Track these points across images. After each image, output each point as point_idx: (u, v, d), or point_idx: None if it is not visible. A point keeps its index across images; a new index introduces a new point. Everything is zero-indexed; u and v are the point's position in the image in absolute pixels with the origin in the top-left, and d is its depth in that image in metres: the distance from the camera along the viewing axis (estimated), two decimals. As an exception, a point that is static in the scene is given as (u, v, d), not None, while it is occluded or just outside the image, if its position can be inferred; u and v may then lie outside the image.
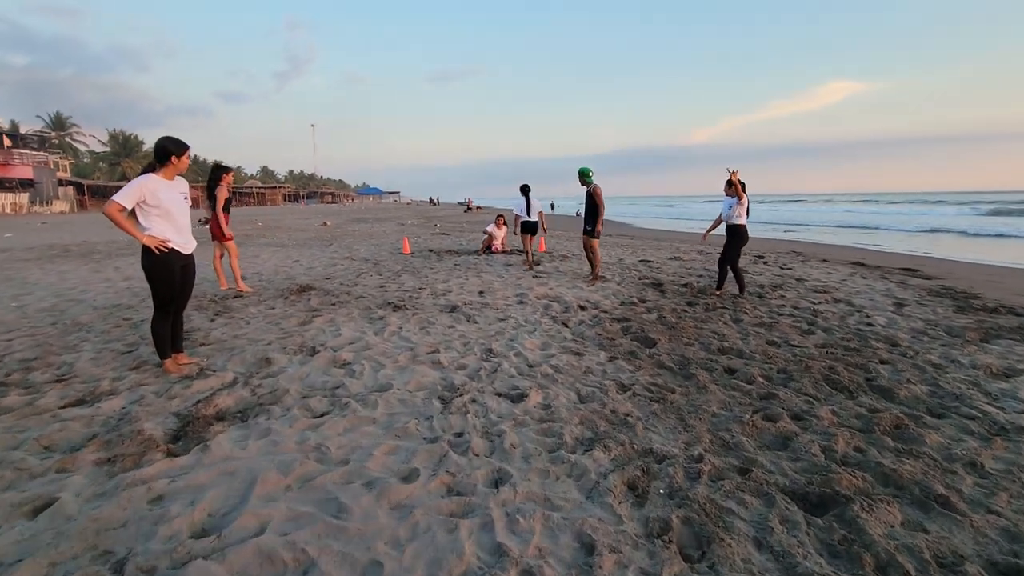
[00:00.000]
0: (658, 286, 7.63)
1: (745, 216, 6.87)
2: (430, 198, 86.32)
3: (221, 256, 7.01)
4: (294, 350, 4.24)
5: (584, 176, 7.96)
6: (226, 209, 6.89)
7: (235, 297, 6.43)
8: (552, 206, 50.21)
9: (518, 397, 3.43)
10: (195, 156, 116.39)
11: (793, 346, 4.78)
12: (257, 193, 74.93)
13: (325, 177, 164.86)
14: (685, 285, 7.73)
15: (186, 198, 3.74)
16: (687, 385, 3.76)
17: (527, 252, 9.90)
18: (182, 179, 3.78)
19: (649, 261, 10.36)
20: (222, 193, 6.69)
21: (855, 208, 48.70)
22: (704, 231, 7.54)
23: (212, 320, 5.23)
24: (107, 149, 71.10)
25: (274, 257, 10.69)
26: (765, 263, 10.62)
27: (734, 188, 6.70)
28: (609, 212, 55.43)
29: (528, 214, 10.57)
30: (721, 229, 7.30)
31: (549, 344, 4.65)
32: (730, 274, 7.33)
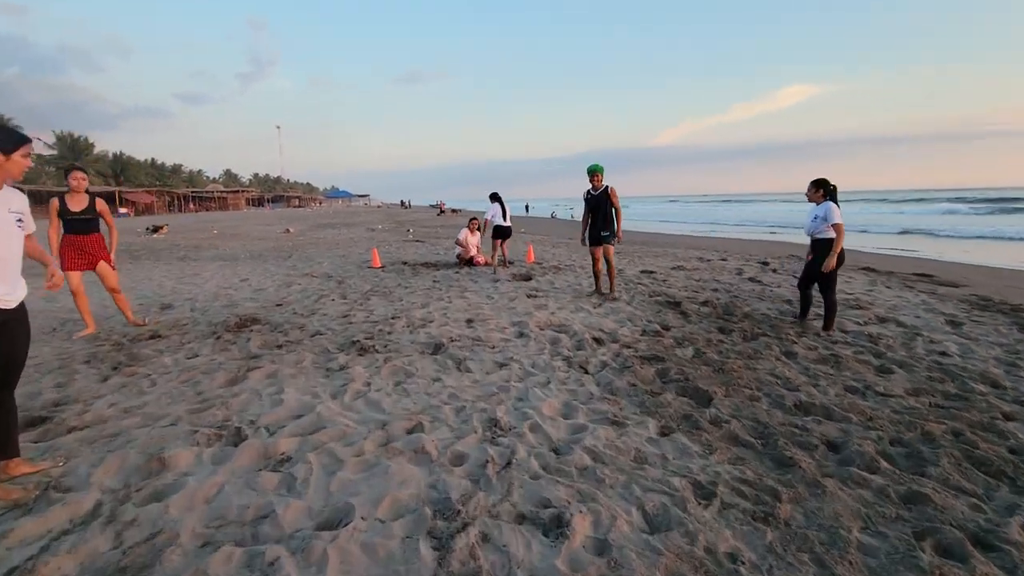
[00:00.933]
0: (676, 305, 6.48)
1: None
2: (401, 201, 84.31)
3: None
4: (208, 437, 2.87)
5: (597, 173, 6.91)
6: (77, 226, 4.88)
7: (151, 338, 4.97)
8: (527, 208, 49.13)
9: (554, 527, 2.17)
10: (155, 160, 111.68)
11: (883, 395, 3.66)
12: (219, 197, 71.70)
13: (292, 180, 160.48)
14: (705, 303, 6.60)
15: (20, 220, 2.36)
16: (790, 479, 2.57)
17: (495, 255, 9.51)
18: (15, 191, 2.41)
19: (652, 272, 9.23)
20: (53, 207, 4.78)
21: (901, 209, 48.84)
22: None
23: (105, 379, 3.80)
24: (54, 152, 66.85)
25: (218, 275, 9.16)
26: (774, 271, 9.62)
27: (820, 193, 5.34)
28: (574, 213, 54.50)
29: (504, 219, 9.56)
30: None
31: (573, 406, 3.40)
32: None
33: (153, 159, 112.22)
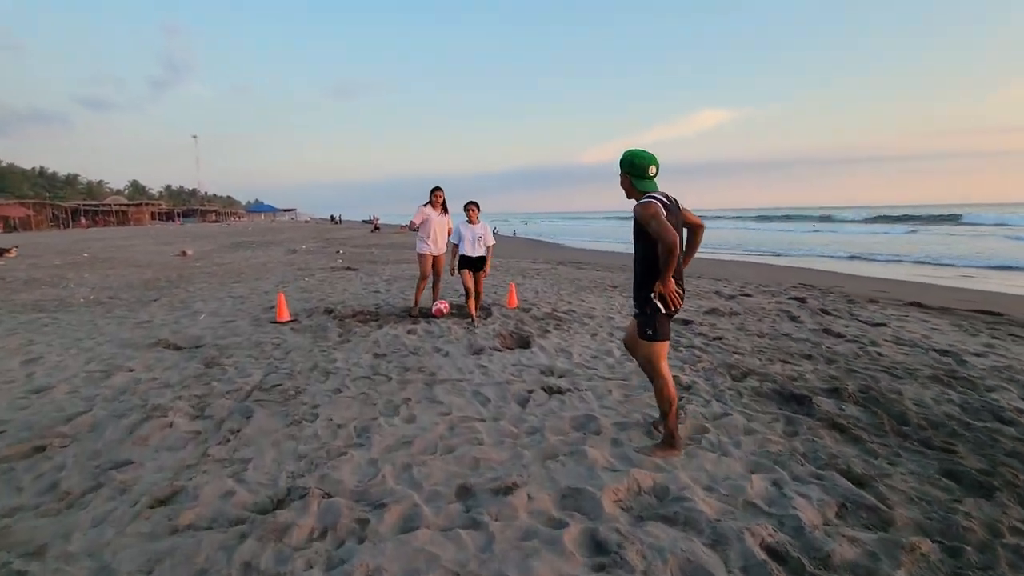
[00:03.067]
0: (804, 404, 3.63)
1: None
2: (332, 216, 78.66)
3: None
4: None
5: (637, 171, 2.98)
6: None
7: None
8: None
9: None
10: (44, 169, 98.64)
11: None
12: (118, 211, 63.25)
13: (210, 193, 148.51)
14: (842, 394, 3.82)
15: None
16: None
17: (469, 297, 6.53)
18: None
19: (689, 322, 6.44)
20: None
21: (749, 226, 49.09)
22: None
23: None
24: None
25: None
26: (827, 313, 7.15)
27: None
28: (526, 229, 51.48)
29: (472, 247, 6.56)
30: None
31: None
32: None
33: (42, 168, 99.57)
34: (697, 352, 5.08)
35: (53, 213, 52.15)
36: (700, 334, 5.83)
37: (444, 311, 6.65)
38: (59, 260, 15.99)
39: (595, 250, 23.53)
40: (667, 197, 2.88)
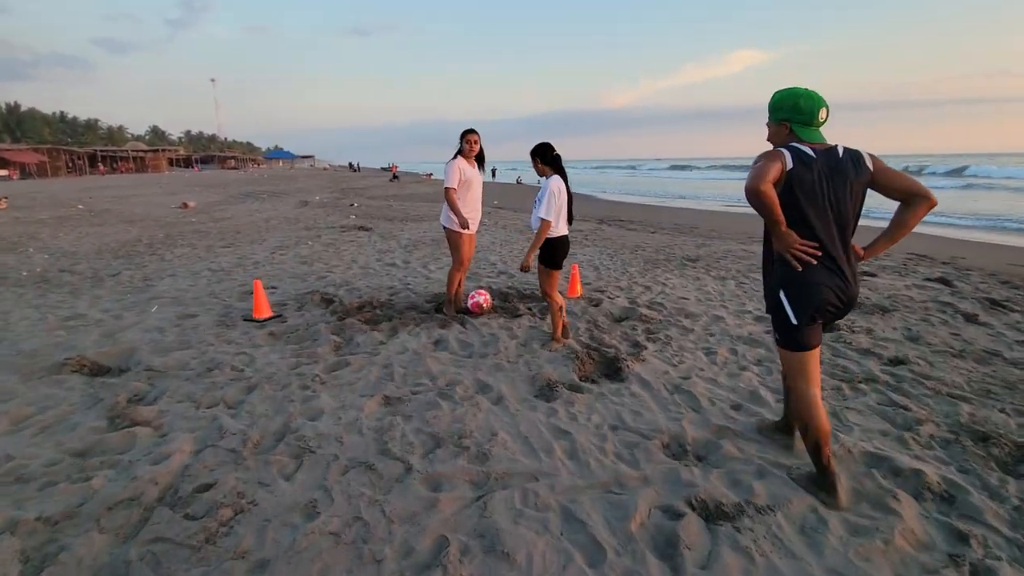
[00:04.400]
0: None
1: None
2: (350, 163, 76.12)
3: None
4: None
5: (803, 116, 2.11)
6: None
7: None
8: (494, 173, 43.34)
9: None
10: (65, 114, 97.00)
11: None
12: (135, 157, 61.68)
13: (230, 139, 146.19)
14: None
15: None
16: None
17: (558, 315, 3.91)
18: None
19: (837, 329, 4.42)
20: None
21: None
22: None
23: None
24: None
25: None
26: (1001, 306, 5.05)
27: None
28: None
29: (560, 220, 4.26)
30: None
31: None
32: None
33: (63, 112, 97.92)
34: (894, 397, 3.11)
35: (70, 159, 50.75)
36: (867, 351, 3.84)
37: (485, 307, 4.72)
38: (47, 214, 14.36)
39: (634, 204, 21.14)
40: (826, 150, 2.04)
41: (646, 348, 3.86)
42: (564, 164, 3.68)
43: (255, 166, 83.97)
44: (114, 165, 58.90)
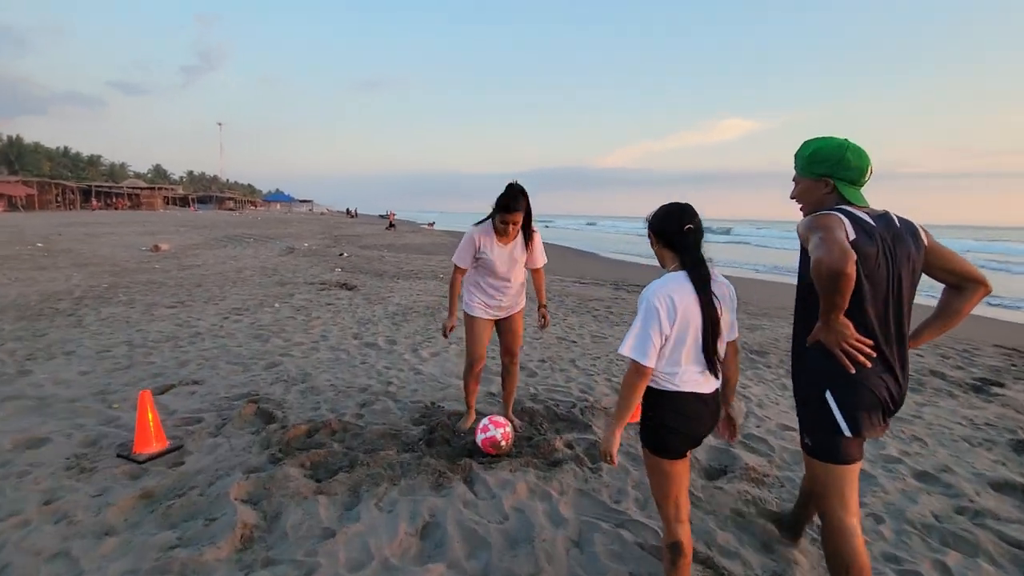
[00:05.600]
0: None
1: None
2: (347, 209, 75.53)
3: None
4: None
5: (850, 173, 1.81)
6: None
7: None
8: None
9: None
10: (68, 149, 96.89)
11: None
12: (131, 195, 60.56)
13: (232, 181, 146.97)
14: None
15: None
16: None
17: (668, 561, 1.87)
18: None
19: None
20: None
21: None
22: None
23: None
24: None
25: None
26: None
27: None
28: (548, 234, 47.81)
29: (674, 350, 2.28)
30: None
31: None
32: None
33: (66, 147, 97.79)
34: None
35: (60, 193, 49.42)
36: None
37: (504, 445, 2.99)
38: (13, 246, 12.67)
39: (641, 264, 19.76)
40: (881, 217, 1.75)
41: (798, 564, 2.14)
42: (693, 237, 1.82)
43: (253, 208, 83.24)
44: (108, 201, 57.65)
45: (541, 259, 3.27)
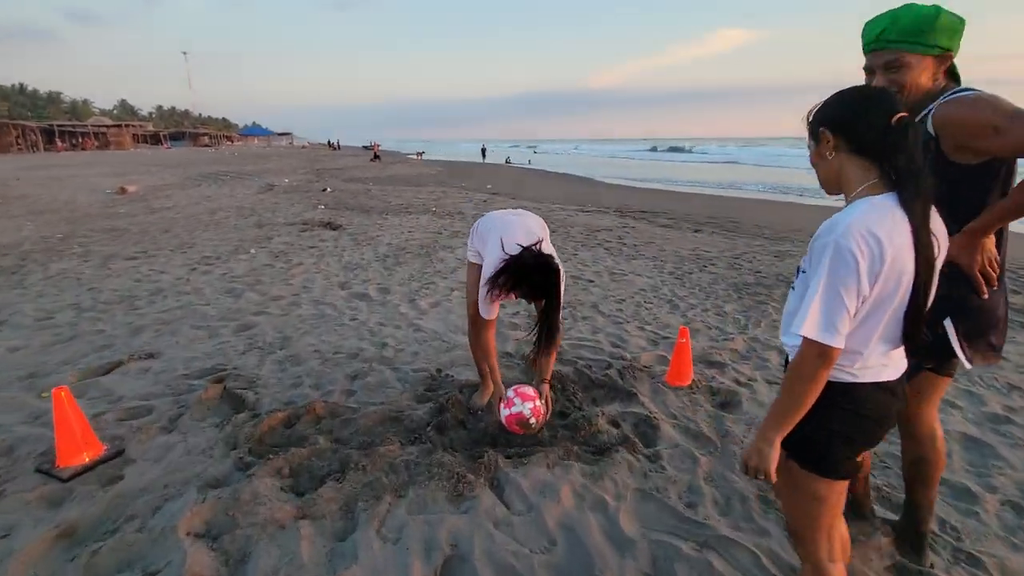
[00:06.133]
0: None
1: None
2: (328, 141, 72.10)
3: None
4: None
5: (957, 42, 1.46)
6: None
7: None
8: (484, 152, 40.49)
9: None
10: (24, 86, 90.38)
11: None
12: (96, 133, 57.04)
13: (205, 115, 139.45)
14: None
15: None
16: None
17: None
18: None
19: None
20: None
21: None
22: None
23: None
24: None
25: None
26: None
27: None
28: (537, 158, 45.64)
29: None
30: None
31: None
32: None
33: (22, 85, 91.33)
34: None
35: (21, 134, 46.31)
36: None
37: (535, 423, 2.35)
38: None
39: (644, 189, 18.72)
40: None
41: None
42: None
43: (229, 143, 79.24)
44: (75, 142, 54.32)
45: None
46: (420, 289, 4.78)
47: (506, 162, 35.69)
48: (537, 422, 2.33)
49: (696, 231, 8.73)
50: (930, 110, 1.42)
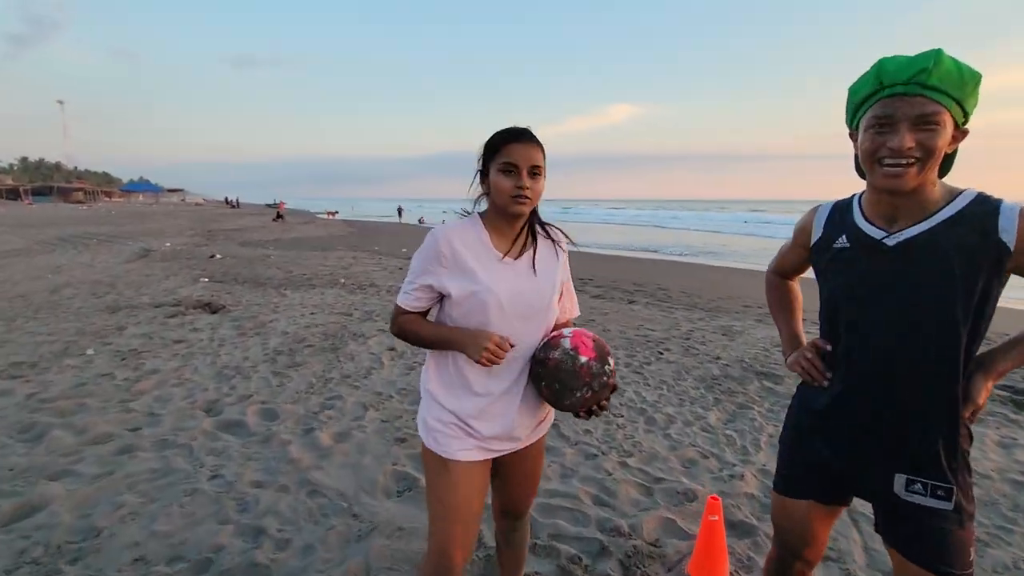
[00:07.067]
0: None
1: None
2: (227, 198, 67.41)
3: None
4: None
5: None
6: None
7: None
8: (400, 211, 39.52)
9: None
10: None
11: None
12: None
13: (81, 168, 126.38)
14: None
15: None
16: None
17: None
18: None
19: None
20: None
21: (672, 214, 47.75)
22: None
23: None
24: None
25: None
26: None
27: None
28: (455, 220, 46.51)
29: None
30: None
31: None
32: None
33: None
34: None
35: None
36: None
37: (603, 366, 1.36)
38: None
39: (611, 256, 18.53)
40: None
41: None
42: None
43: (107, 199, 71.41)
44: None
45: (574, 304, 1.59)
46: (321, 411, 3.54)
47: (419, 222, 34.98)
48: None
49: (631, 302, 8.23)
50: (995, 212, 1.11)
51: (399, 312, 1.39)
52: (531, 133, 1.32)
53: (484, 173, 1.36)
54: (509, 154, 1.28)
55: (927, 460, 1.17)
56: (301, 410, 3.55)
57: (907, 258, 1.16)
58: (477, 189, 1.40)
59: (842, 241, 1.28)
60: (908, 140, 1.08)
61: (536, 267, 1.40)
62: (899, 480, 1.19)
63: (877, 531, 1.28)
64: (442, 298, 1.37)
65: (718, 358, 4.98)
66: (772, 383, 4.30)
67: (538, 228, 1.46)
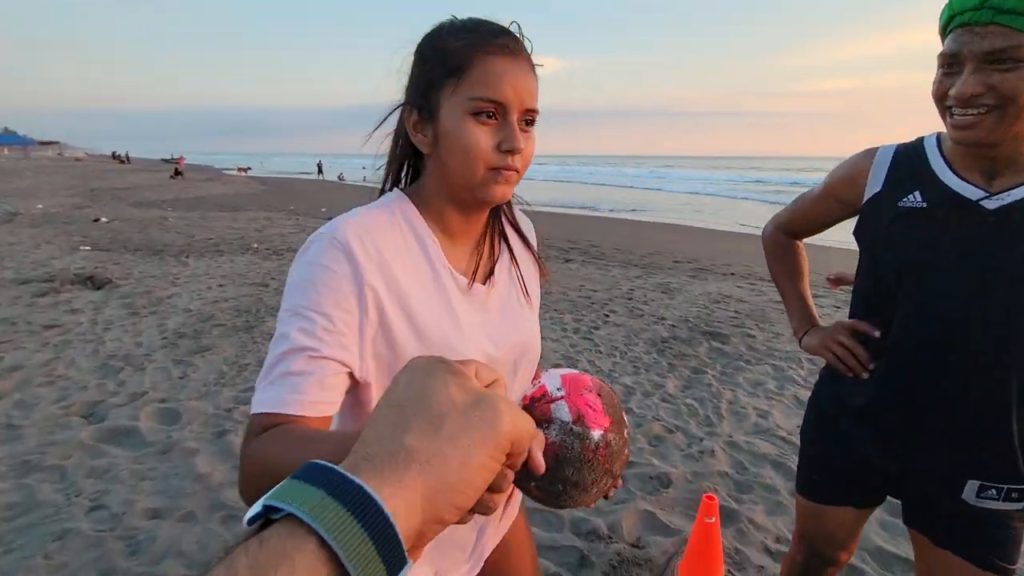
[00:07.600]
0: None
1: None
2: (114, 153, 59.60)
3: None
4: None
5: None
6: None
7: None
8: (320, 168, 36.72)
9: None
10: None
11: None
12: None
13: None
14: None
15: None
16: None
17: None
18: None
19: None
20: None
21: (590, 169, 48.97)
22: None
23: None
24: None
25: None
26: None
27: None
28: (379, 176, 44.69)
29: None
30: None
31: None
32: None
33: None
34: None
35: None
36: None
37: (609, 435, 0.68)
38: None
39: (542, 213, 17.99)
40: None
41: None
42: None
43: (-37, 153, 60.79)
44: None
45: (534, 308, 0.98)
46: (235, 408, 2.99)
47: (339, 179, 32.83)
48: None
49: (567, 260, 8.03)
50: None
51: (264, 423, 0.62)
52: (521, 42, 0.69)
53: (425, 113, 0.70)
54: (489, 80, 0.65)
55: (1007, 464, 0.98)
56: (210, 408, 2.97)
57: (1009, 226, 0.90)
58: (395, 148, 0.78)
59: (914, 199, 0.99)
60: (973, 85, 0.84)
61: (528, 288, 0.87)
62: (971, 486, 1.00)
63: (907, 524, 1.13)
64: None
65: (663, 318, 4.87)
66: (720, 343, 4.24)
67: (507, 219, 0.88)
